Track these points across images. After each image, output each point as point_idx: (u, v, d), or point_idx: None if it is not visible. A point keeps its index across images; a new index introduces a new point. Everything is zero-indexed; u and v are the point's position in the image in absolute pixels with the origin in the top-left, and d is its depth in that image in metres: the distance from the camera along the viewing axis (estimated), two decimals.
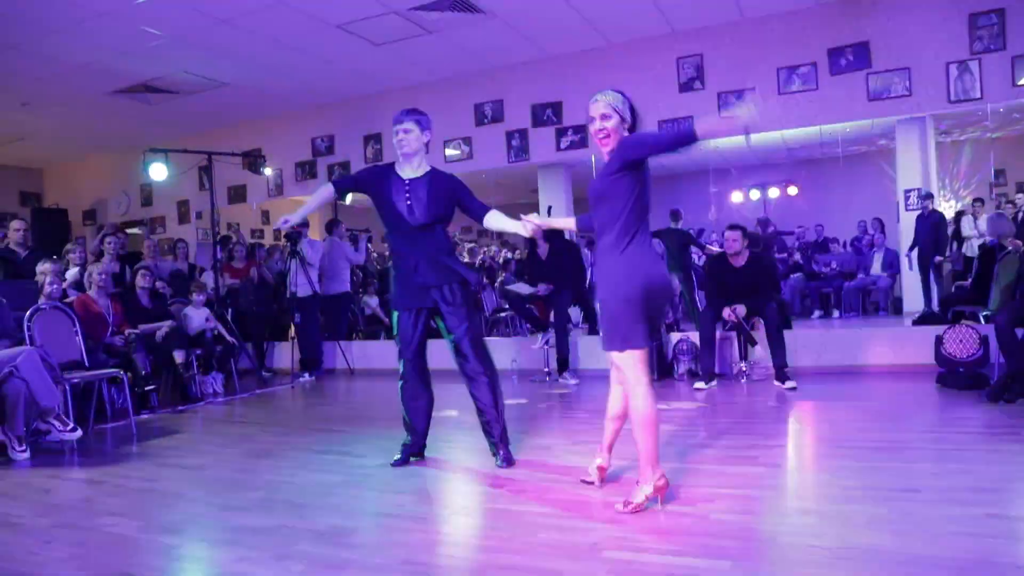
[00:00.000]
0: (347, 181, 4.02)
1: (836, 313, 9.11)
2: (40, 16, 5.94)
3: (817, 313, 9.29)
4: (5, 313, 4.91)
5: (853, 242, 9.77)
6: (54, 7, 5.77)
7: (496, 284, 9.47)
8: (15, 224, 6.83)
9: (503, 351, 7.65)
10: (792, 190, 10.20)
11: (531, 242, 6.97)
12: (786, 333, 5.90)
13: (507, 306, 8.32)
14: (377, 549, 2.65)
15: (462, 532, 2.87)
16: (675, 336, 6.64)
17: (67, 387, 4.99)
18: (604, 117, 3.00)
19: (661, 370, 6.45)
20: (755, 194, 10.57)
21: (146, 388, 6.12)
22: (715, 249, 8.50)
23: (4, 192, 11.24)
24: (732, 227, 6.05)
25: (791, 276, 9.50)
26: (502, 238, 10.95)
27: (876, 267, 8.99)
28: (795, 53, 6.61)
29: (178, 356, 6.58)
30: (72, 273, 6.71)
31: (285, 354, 8.45)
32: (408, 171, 3.75)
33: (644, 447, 2.85)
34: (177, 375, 6.71)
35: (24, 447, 4.56)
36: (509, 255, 10.49)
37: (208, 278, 8.23)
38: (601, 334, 2.98)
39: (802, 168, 9.76)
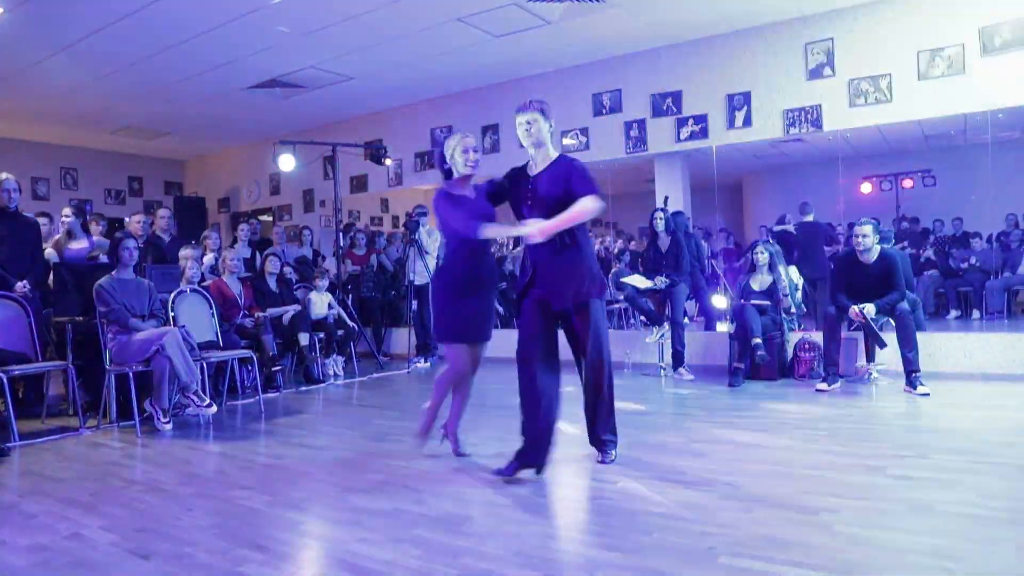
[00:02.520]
0: (498, 184, 3.85)
1: (976, 314, 8.48)
2: (186, 20, 6.36)
3: (954, 313, 8.68)
4: (154, 295, 5.32)
5: (999, 237, 9.04)
6: (199, 11, 6.16)
7: (610, 275, 9.39)
8: (161, 212, 7.36)
9: (615, 344, 7.58)
10: (929, 181, 9.54)
11: (652, 234, 6.88)
12: (919, 335, 5.55)
13: (621, 298, 8.25)
14: (491, 539, 2.70)
15: (575, 527, 2.88)
16: (796, 335, 6.39)
17: (204, 365, 5.36)
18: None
19: (781, 370, 6.23)
20: (887, 185, 9.96)
21: (273, 368, 6.48)
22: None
23: (151, 182, 12.19)
24: (862, 222, 5.75)
25: (924, 273, 8.92)
26: (618, 227, 10.82)
27: None
28: (940, 34, 6.16)
29: (302, 339, 6.92)
30: (208, 258, 7.17)
31: (402, 340, 8.73)
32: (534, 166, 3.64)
33: None
34: (301, 357, 7.07)
35: (168, 419, 4.95)
36: (624, 246, 10.37)
37: (330, 265, 8.62)
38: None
39: (941, 156, 9.10)
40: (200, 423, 5.18)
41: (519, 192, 3.63)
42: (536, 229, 3.33)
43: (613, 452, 3.71)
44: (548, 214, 3.41)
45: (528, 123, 3.54)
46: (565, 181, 3.47)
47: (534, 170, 3.61)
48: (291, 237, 9.45)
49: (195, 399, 4.95)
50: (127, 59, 7.29)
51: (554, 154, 3.61)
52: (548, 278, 3.52)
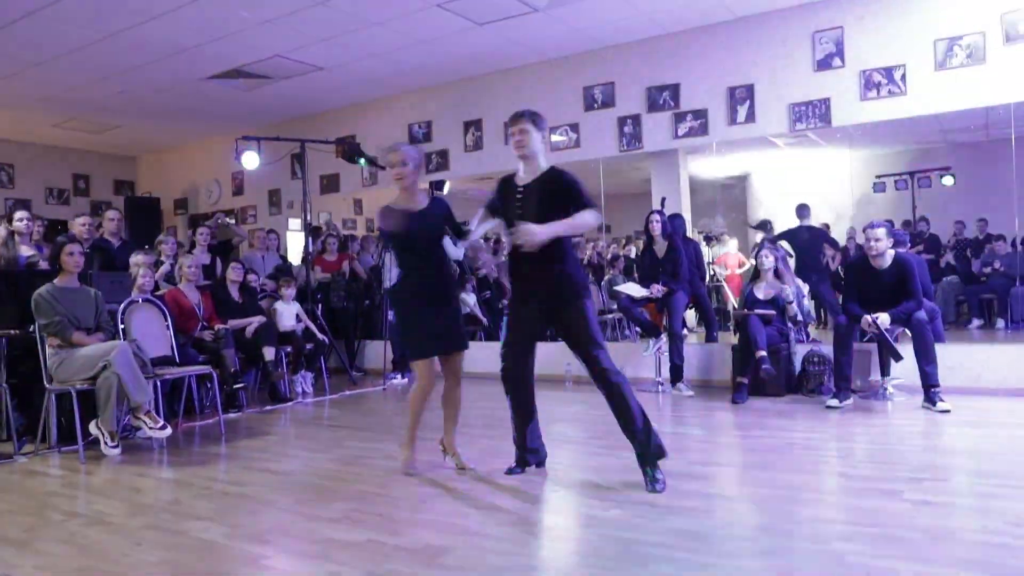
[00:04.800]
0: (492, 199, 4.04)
1: (1000, 323, 8.55)
2: (139, 2, 6.31)
3: (976, 323, 8.74)
4: (101, 305, 5.25)
5: None
6: None
7: (603, 283, 9.40)
8: (110, 214, 7.29)
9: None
10: (948, 180, 9.63)
11: (647, 238, 6.88)
12: (938, 347, 5.58)
13: (615, 308, 8.25)
14: (473, 572, 2.67)
15: (565, 558, 2.85)
16: (803, 347, 6.40)
17: (157, 383, 5.29)
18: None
19: (788, 385, 6.24)
20: (902, 185, 10.04)
21: (235, 386, 6.40)
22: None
23: (99, 180, 12.05)
24: (874, 225, 5.77)
25: (943, 279, 8.98)
26: (612, 233, 10.84)
27: None
28: (958, 21, 6.22)
29: (268, 353, 6.85)
30: (164, 266, 7.10)
31: (377, 353, 8.68)
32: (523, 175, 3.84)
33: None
34: (266, 373, 6.99)
35: (116, 443, 4.87)
36: (618, 252, 10.38)
37: (298, 271, 8.57)
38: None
39: (962, 153, 9.19)
40: (153, 447, 5.10)
41: (508, 202, 3.83)
42: (529, 236, 3.49)
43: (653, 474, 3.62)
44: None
45: (519, 133, 3.75)
46: (556, 193, 3.68)
47: (523, 180, 3.80)
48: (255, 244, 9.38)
49: (147, 420, 4.86)
50: (73, 43, 7.21)
51: (545, 165, 3.80)
52: (533, 287, 3.74)
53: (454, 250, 8.72)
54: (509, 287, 4.03)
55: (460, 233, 4.27)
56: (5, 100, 9.05)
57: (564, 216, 3.63)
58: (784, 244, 7.50)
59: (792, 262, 7.45)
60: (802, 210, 7.97)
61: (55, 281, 5.06)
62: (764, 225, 8.61)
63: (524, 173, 3.82)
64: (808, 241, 7.74)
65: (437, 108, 9.14)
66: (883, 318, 5.55)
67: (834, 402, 5.62)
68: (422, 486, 3.85)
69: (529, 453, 3.99)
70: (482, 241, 3.87)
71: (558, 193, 3.71)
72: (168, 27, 6.88)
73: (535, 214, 3.65)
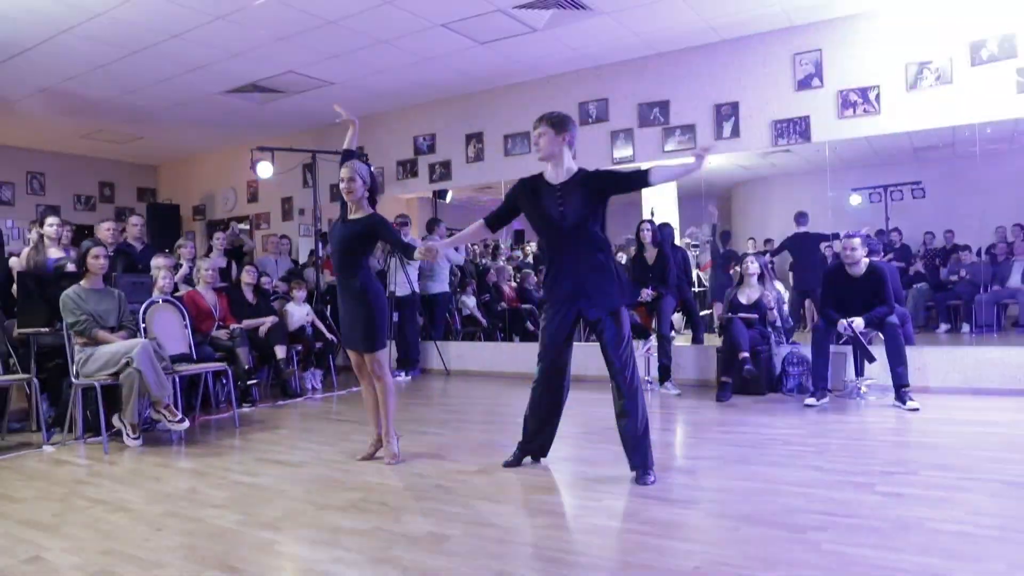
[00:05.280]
0: (499, 213, 3.97)
1: (966, 328, 8.57)
2: (160, 22, 6.32)
3: (944, 327, 8.77)
4: (124, 306, 5.26)
5: (988, 250, 9.17)
6: (174, 12, 6.13)
7: None
8: (133, 219, 7.29)
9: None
10: (918, 193, 9.66)
11: (638, 246, 6.90)
12: (908, 349, 5.61)
13: None
14: (471, 559, 2.68)
15: (556, 546, 2.86)
16: (784, 348, 6.43)
17: (176, 378, 5.30)
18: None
19: (768, 384, 6.26)
20: (876, 197, 10.07)
21: (248, 382, 6.42)
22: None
23: (124, 188, 12.05)
24: (850, 234, 5.81)
25: (914, 286, 9.02)
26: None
27: (1015, 278, 8.40)
28: (928, 46, 6.26)
29: (279, 351, 6.87)
30: (183, 269, 7.11)
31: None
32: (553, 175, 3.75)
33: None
34: (278, 370, 7.01)
35: (137, 435, 4.89)
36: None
37: (308, 274, 8.58)
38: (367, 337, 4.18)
39: (930, 168, 9.22)
40: (171, 439, 5.12)
41: (540, 198, 3.72)
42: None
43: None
44: (581, 222, 3.61)
45: (538, 136, 3.71)
46: (597, 186, 3.65)
47: (555, 179, 3.72)
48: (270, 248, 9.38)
49: (166, 414, 4.89)
50: (98, 61, 7.23)
51: (574, 167, 3.73)
52: (583, 286, 3.65)
53: (455, 255, 8.76)
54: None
55: (405, 251, 4.27)
56: (37, 113, 9.05)
57: (602, 215, 3.68)
58: (779, 255, 7.56)
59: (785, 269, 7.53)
60: (801, 217, 8.02)
61: (82, 283, 5.08)
62: (725, 236, 8.74)
63: (554, 172, 3.73)
64: (809, 247, 7.78)
65: (441, 121, 9.15)
66: (858, 322, 5.58)
67: (811, 400, 5.64)
68: (423, 478, 3.86)
69: (536, 447, 3.95)
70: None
71: (601, 185, 3.65)
72: (189, 45, 6.89)
73: (578, 209, 3.60)
